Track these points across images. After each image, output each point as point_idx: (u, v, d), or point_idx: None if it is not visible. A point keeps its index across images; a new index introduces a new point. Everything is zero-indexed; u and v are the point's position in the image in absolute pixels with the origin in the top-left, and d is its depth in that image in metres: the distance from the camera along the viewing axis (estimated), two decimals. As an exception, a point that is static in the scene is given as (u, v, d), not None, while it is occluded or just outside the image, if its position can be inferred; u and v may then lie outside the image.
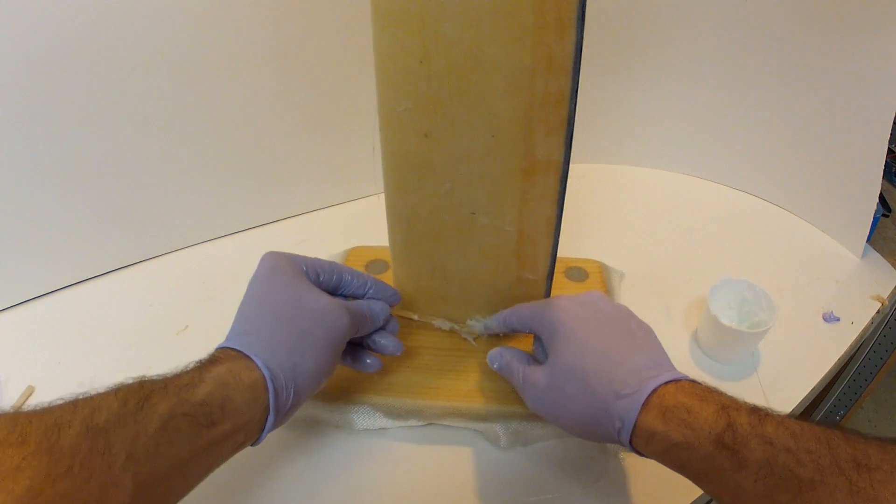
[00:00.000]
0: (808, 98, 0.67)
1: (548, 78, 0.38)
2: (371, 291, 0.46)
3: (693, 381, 0.34)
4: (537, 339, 0.45)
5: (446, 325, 0.53)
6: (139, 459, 0.28)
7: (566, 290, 0.58)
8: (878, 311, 0.61)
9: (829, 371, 0.55)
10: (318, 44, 0.61)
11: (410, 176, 0.44)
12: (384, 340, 0.46)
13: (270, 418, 0.36)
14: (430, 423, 0.48)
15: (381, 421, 0.48)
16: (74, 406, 0.28)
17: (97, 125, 0.55)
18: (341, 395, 0.48)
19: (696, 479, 0.31)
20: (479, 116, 0.40)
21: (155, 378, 0.32)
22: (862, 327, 0.59)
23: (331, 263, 0.44)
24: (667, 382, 0.33)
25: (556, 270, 0.51)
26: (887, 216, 0.72)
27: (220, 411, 0.32)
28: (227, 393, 0.33)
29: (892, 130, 0.59)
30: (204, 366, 0.34)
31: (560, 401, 0.37)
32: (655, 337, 0.39)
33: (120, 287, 0.63)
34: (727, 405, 0.30)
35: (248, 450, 0.45)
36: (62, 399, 0.29)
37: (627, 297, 0.61)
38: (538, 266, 0.50)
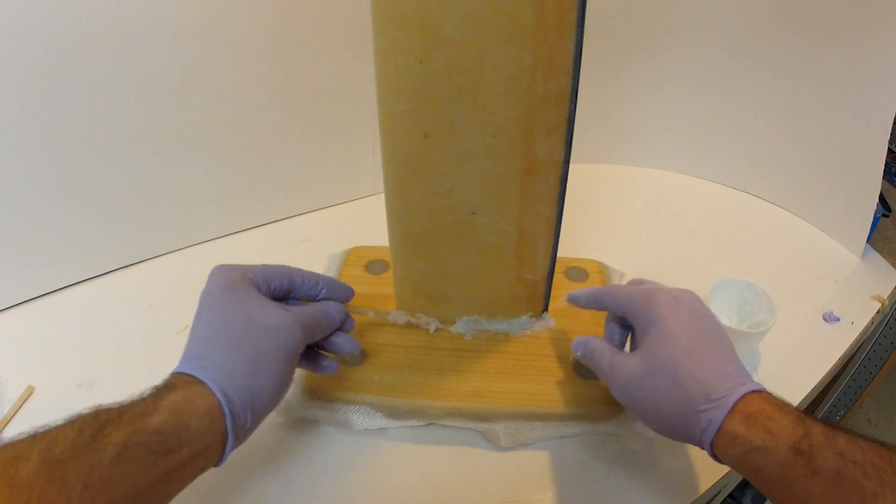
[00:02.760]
0: (809, 98, 0.67)
1: (548, 78, 0.38)
2: (324, 292, 0.45)
3: (770, 393, 0.35)
4: (615, 321, 0.45)
5: (402, 320, 0.53)
6: (95, 490, 0.28)
7: (566, 290, 0.58)
8: (878, 311, 0.61)
9: (829, 371, 0.55)
10: (318, 44, 0.61)
11: (410, 176, 0.44)
12: (339, 340, 0.45)
13: (230, 442, 0.35)
14: (430, 423, 0.48)
15: (381, 421, 0.47)
16: (33, 439, 0.28)
17: (97, 125, 0.55)
18: (341, 395, 0.48)
19: (768, 484, 0.32)
20: (479, 116, 0.40)
21: (111, 406, 0.32)
22: (862, 327, 0.59)
23: (280, 268, 0.43)
24: (751, 391, 0.34)
25: (556, 270, 0.51)
26: (887, 216, 0.72)
27: (175, 439, 0.32)
28: (182, 420, 0.33)
29: (892, 130, 0.59)
30: (159, 393, 0.34)
31: (650, 394, 0.37)
32: (733, 346, 0.40)
33: (120, 287, 0.63)
34: (803, 417, 0.32)
35: (247, 450, 0.45)
36: (23, 433, 0.29)
37: (627, 297, 0.61)
38: (538, 266, 0.50)
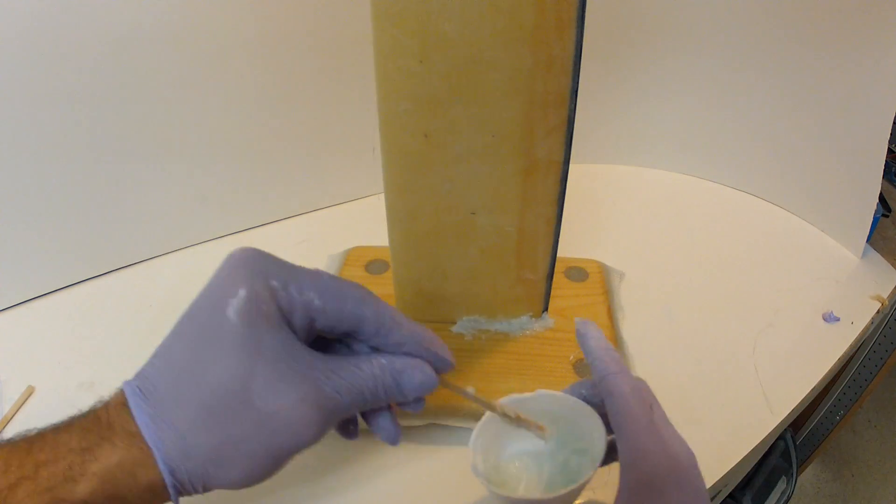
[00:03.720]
0: (809, 98, 0.67)
1: (548, 78, 0.38)
2: (406, 347, 0.30)
3: None
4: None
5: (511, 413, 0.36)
6: None
7: (566, 290, 0.58)
8: (878, 311, 0.61)
9: (829, 371, 0.55)
10: (318, 44, 0.61)
11: (410, 176, 0.44)
12: (385, 423, 0.33)
13: None
14: (430, 423, 0.48)
15: (381, 421, 0.47)
16: None
17: (97, 124, 0.55)
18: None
19: None
20: (479, 116, 0.40)
21: (33, 442, 0.26)
22: (862, 327, 0.59)
23: (341, 300, 0.28)
24: None
25: (556, 270, 0.51)
26: (887, 216, 0.72)
27: None
28: (116, 492, 0.26)
29: (892, 130, 0.59)
30: (90, 449, 0.26)
31: None
32: None
33: (120, 287, 0.63)
34: None
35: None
36: None
37: (627, 297, 0.61)
38: (538, 266, 0.50)
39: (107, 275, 0.64)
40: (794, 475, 0.76)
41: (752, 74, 0.69)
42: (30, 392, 0.51)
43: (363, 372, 0.29)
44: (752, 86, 0.70)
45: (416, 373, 0.30)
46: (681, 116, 0.77)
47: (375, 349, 0.30)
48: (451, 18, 0.36)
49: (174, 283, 0.63)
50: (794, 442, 0.87)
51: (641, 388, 0.30)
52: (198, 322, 0.28)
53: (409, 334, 0.30)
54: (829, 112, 0.65)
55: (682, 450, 0.29)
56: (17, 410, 0.50)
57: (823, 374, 0.54)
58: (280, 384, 0.27)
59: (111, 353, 0.55)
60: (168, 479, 0.26)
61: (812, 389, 0.53)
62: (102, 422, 0.27)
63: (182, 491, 0.27)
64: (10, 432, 0.48)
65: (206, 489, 0.28)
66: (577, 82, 0.38)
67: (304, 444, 0.28)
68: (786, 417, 0.50)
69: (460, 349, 0.52)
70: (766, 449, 0.72)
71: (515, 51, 0.37)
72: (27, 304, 0.60)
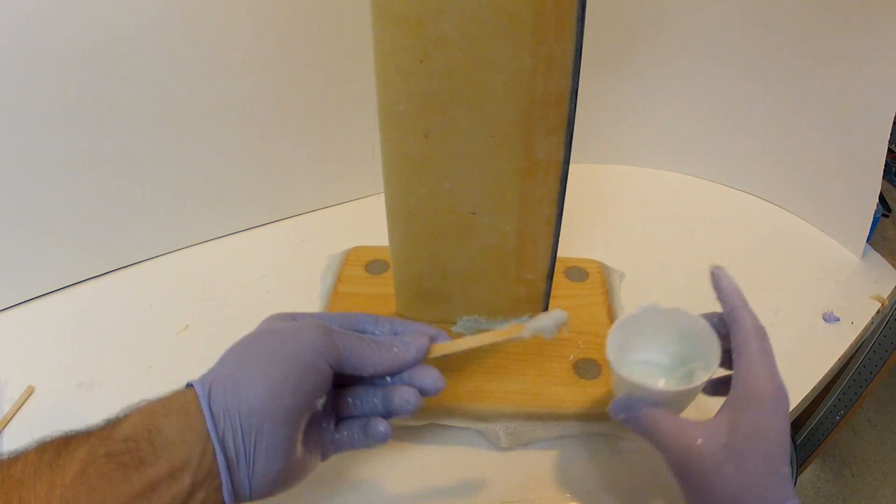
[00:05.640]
0: (808, 98, 0.67)
1: (548, 78, 0.38)
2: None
3: None
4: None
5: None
6: None
7: (566, 290, 0.58)
8: (878, 311, 0.61)
9: (829, 371, 0.55)
10: (318, 44, 0.61)
11: (410, 176, 0.44)
12: (420, 379, 0.36)
13: (218, 453, 0.28)
14: (430, 423, 0.48)
15: (381, 421, 0.47)
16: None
17: (97, 124, 0.55)
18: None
19: None
20: (479, 116, 0.40)
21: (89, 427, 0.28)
22: (862, 327, 0.59)
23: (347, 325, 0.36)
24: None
25: (556, 270, 0.51)
26: (887, 216, 0.72)
27: (148, 446, 0.27)
28: (153, 422, 0.28)
29: (892, 130, 0.59)
30: (139, 404, 0.30)
31: (727, 472, 0.32)
32: None
33: (120, 287, 0.63)
34: None
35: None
36: None
37: (627, 297, 0.61)
38: (538, 266, 0.50)
39: (107, 275, 0.64)
40: (794, 475, 0.76)
41: (753, 74, 0.69)
42: (30, 392, 0.51)
43: (368, 344, 0.35)
44: (752, 86, 0.70)
45: (410, 340, 0.36)
46: (681, 116, 0.77)
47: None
48: (451, 18, 0.36)
49: (174, 283, 0.63)
50: (794, 442, 0.87)
51: (762, 327, 0.36)
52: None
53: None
54: (829, 112, 0.65)
55: (782, 383, 0.34)
56: (17, 410, 0.50)
57: (823, 374, 0.54)
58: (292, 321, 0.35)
59: (111, 353, 0.55)
60: (199, 390, 0.29)
61: (812, 389, 0.53)
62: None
63: (213, 407, 0.29)
64: (11, 432, 0.48)
65: (242, 415, 0.29)
66: (577, 82, 0.38)
67: (314, 347, 0.32)
68: (786, 417, 0.50)
69: (460, 349, 0.52)
70: (766, 449, 0.72)
71: (515, 51, 0.37)
72: (27, 304, 0.60)
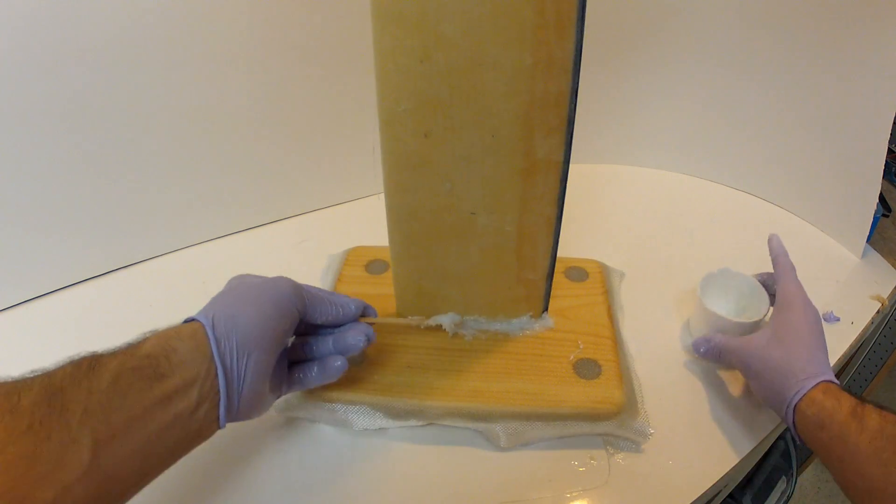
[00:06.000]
0: (808, 98, 0.67)
1: (548, 78, 0.38)
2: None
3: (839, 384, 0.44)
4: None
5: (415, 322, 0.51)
6: (95, 414, 0.30)
7: (566, 290, 0.58)
8: (878, 311, 0.61)
9: (829, 371, 0.55)
10: (318, 44, 0.61)
11: (410, 176, 0.44)
12: (350, 332, 0.44)
13: (219, 372, 0.35)
14: (430, 423, 0.48)
15: (381, 421, 0.48)
16: (33, 374, 0.30)
17: (97, 125, 0.55)
18: (341, 394, 0.48)
19: (827, 439, 0.40)
20: (479, 116, 0.40)
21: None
22: (862, 327, 0.59)
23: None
24: (830, 380, 0.44)
25: (556, 270, 0.51)
26: (887, 216, 0.72)
27: (165, 362, 0.33)
28: (169, 344, 0.34)
29: (892, 130, 0.59)
30: (153, 331, 0.36)
31: (773, 361, 0.45)
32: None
33: (120, 287, 0.63)
34: (861, 397, 0.42)
35: (245, 447, 0.45)
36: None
37: (627, 296, 0.61)
38: (538, 266, 0.50)
39: (107, 275, 0.64)
40: (794, 475, 0.76)
41: (753, 75, 0.69)
42: (30, 392, 0.51)
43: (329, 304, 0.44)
44: (752, 86, 0.70)
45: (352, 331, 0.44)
46: (681, 116, 0.77)
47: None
48: (451, 18, 0.36)
49: (174, 283, 0.63)
50: (795, 442, 0.87)
51: (793, 265, 0.51)
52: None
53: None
54: (829, 112, 0.65)
55: (807, 296, 0.48)
56: (17, 410, 0.50)
57: (823, 374, 0.54)
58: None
59: (111, 353, 0.55)
60: (204, 320, 0.37)
61: (812, 389, 0.53)
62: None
63: (217, 334, 0.36)
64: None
65: (239, 339, 0.37)
66: (577, 82, 0.38)
67: (287, 295, 0.40)
68: (786, 417, 0.50)
69: (460, 349, 0.52)
70: (767, 449, 0.72)
71: (515, 51, 0.37)
72: (27, 304, 0.60)
